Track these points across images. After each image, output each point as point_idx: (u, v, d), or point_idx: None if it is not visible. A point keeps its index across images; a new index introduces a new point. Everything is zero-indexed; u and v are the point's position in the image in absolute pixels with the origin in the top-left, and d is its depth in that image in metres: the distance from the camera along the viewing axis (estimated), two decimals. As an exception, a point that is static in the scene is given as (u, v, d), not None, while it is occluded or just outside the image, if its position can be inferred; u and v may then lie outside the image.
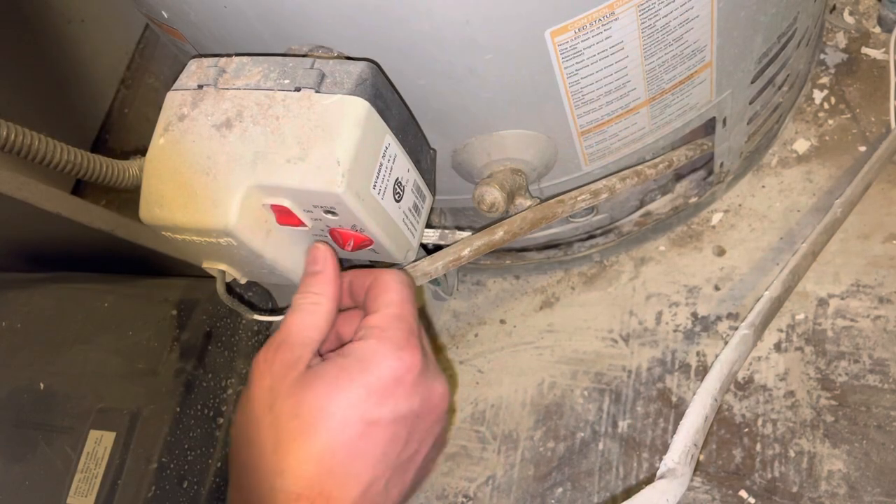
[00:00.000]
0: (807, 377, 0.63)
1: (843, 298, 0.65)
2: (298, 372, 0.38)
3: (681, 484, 0.44)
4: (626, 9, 0.44)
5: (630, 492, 0.60)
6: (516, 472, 0.67)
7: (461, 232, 0.52)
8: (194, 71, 0.43)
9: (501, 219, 0.51)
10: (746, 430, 0.62)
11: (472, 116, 0.50)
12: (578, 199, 0.54)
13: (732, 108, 0.59)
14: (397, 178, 0.44)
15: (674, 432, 0.46)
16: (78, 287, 0.76)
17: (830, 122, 0.72)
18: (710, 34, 0.50)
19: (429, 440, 0.41)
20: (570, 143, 0.54)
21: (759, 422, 0.62)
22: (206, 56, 0.44)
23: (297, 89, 0.41)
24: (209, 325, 0.70)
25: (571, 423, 0.67)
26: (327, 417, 0.36)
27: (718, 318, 0.67)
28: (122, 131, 1.06)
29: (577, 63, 0.47)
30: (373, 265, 0.51)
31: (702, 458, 0.62)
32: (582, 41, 0.45)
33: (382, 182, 0.42)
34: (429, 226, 0.50)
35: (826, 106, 0.72)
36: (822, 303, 0.65)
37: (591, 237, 0.71)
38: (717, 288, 0.68)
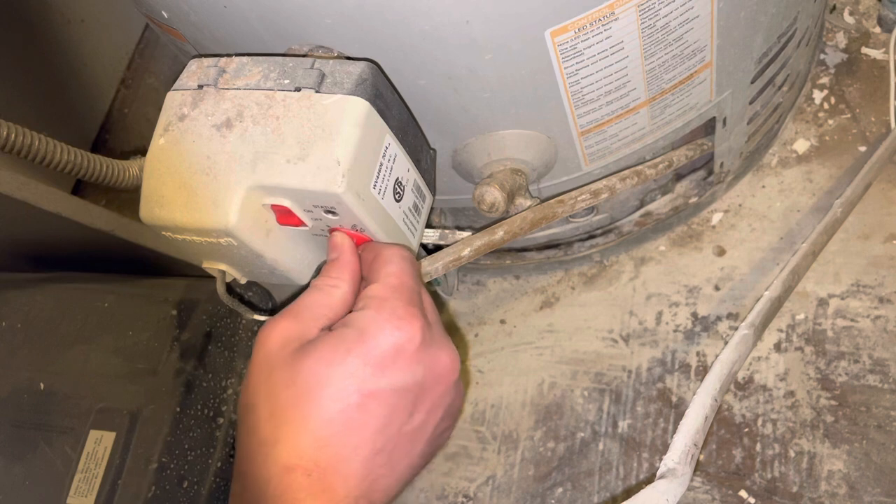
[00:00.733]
0: (807, 377, 0.63)
1: (843, 298, 0.65)
2: (299, 343, 0.37)
3: (681, 484, 0.44)
4: (626, 9, 0.44)
5: (630, 492, 0.60)
6: (516, 472, 0.67)
7: (461, 232, 0.52)
8: (194, 71, 0.43)
9: (501, 219, 0.51)
10: (746, 430, 0.62)
11: (472, 116, 0.50)
12: (578, 199, 0.54)
13: (732, 108, 0.59)
14: (397, 178, 0.44)
15: (674, 432, 0.46)
16: (78, 287, 0.76)
17: (830, 122, 0.72)
18: (710, 34, 0.50)
19: (437, 411, 0.40)
20: (570, 143, 0.54)
21: (759, 422, 0.62)
22: (206, 56, 0.44)
23: (297, 89, 0.41)
24: (209, 325, 0.70)
25: (571, 423, 0.67)
26: (323, 387, 0.36)
27: (718, 318, 0.67)
28: (122, 131, 1.06)
29: (577, 63, 0.47)
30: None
31: (702, 458, 0.62)
32: (582, 41, 0.45)
33: (382, 182, 0.42)
34: (429, 226, 0.50)
35: (826, 106, 0.72)
36: (822, 303, 0.65)
37: (591, 237, 0.71)
38: (717, 288, 0.68)
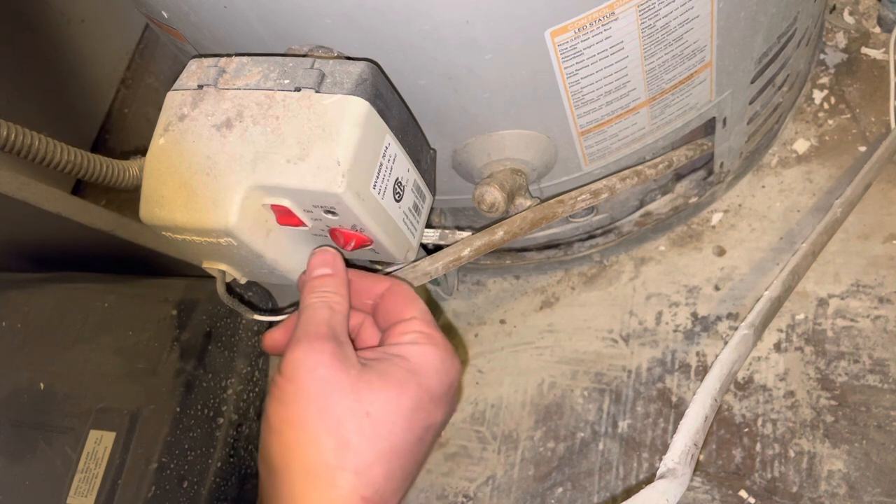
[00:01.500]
0: (807, 377, 0.63)
1: (843, 298, 0.65)
2: (356, 368, 0.37)
3: (681, 484, 0.44)
4: (626, 9, 0.44)
5: (630, 492, 0.60)
6: (516, 472, 0.67)
7: (461, 232, 0.52)
8: (194, 71, 0.43)
9: (501, 219, 0.51)
10: (746, 430, 0.62)
11: (472, 116, 0.50)
12: (578, 199, 0.54)
13: (732, 108, 0.59)
14: (397, 178, 0.44)
15: (674, 432, 0.45)
16: (78, 287, 0.76)
17: (830, 122, 0.72)
18: (710, 34, 0.50)
19: None
20: (570, 143, 0.54)
21: (759, 422, 0.62)
22: (206, 56, 0.44)
23: (297, 89, 0.41)
24: (209, 325, 0.70)
25: (571, 423, 0.67)
26: (396, 420, 0.36)
27: (718, 318, 0.67)
28: (122, 131, 1.06)
29: (577, 63, 0.47)
30: (374, 264, 0.51)
31: (702, 458, 0.62)
32: (582, 41, 0.45)
33: (382, 182, 0.42)
34: (429, 226, 0.50)
35: (826, 106, 0.72)
36: (822, 303, 0.65)
37: (591, 237, 0.71)
38: (717, 288, 0.68)
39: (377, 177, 0.42)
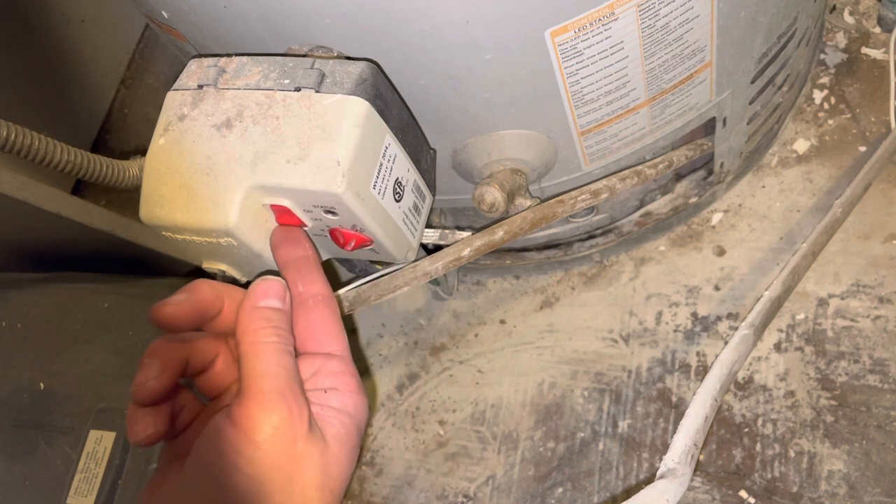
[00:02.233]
0: (807, 377, 0.63)
1: (843, 298, 0.65)
2: (322, 436, 0.36)
3: (681, 484, 0.44)
4: (626, 9, 0.44)
5: (630, 492, 0.60)
6: (516, 472, 0.67)
7: (461, 232, 0.52)
8: (194, 71, 0.43)
9: (501, 219, 0.51)
10: (746, 430, 0.62)
11: (472, 116, 0.50)
12: (578, 199, 0.54)
13: (732, 108, 0.59)
14: (397, 178, 0.44)
15: (674, 432, 0.46)
16: (78, 287, 0.76)
17: (830, 122, 0.72)
18: (710, 34, 0.50)
19: None
20: (570, 143, 0.54)
21: (759, 422, 0.62)
22: (206, 56, 0.44)
23: (297, 89, 0.41)
24: (209, 325, 0.70)
25: (571, 423, 0.67)
26: (346, 484, 0.37)
27: (718, 318, 0.67)
28: (122, 131, 1.06)
29: (577, 63, 0.47)
30: (374, 265, 0.51)
31: (702, 458, 0.62)
32: (582, 41, 0.45)
33: (382, 182, 0.42)
34: (429, 226, 0.50)
35: (826, 106, 0.72)
36: (822, 303, 0.65)
37: (591, 237, 0.71)
38: (717, 288, 0.68)
39: (377, 177, 0.42)
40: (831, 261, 0.66)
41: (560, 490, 0.65)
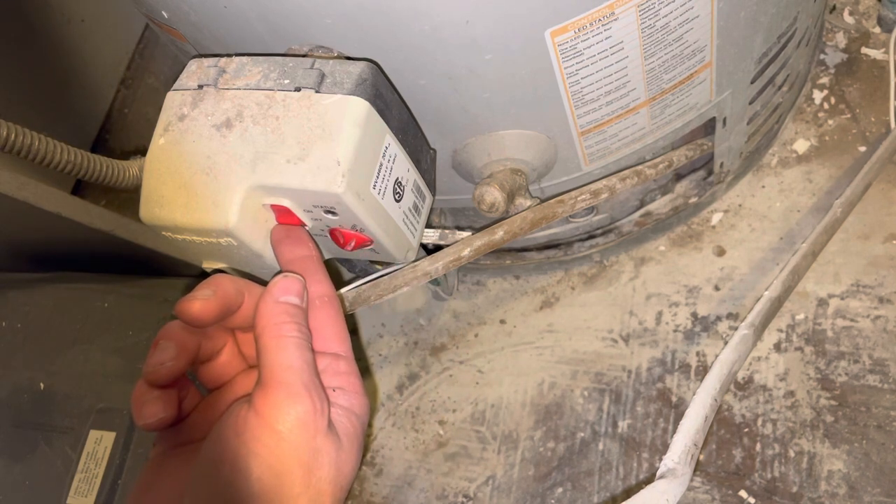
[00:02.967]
0: (807, 377, 0.63)
1: (843, 298, 0.65)
2: (336, 433, 0.37)
3: (681, 484, 0.44)
4: (626, 9, 0.44)
5: (630, 492, 0.60)
6: (516, 472, 0.67)
7: (461, 232, 0.52)
8: (194, 71, 0.43)
9: (501, 219, 0.51)
10: (746, 430, 0.62)
11: (472, 116, 0.50)
12: (578, 199, 0.54)
13: (732, 108, 0.59)
14: (397, 178, 0.44)
15: (674, 432, 0.46)
16: (78, 287, 0.76)
17: (830, 122, 0.72)
18: (710, 34, 0.50)
19: None
20: (570, 143, 0.54)
21: (759, 422, 0.62)
22: (206, 56, 0.44)
23: (297, 89, 0.41)
24: (209, 325, 0.69)
25: (571, 423, 0.67)
26: (353, 480, 0.38)
27: (718, 318, 0.67)
28: (122, 131, 1.06)
29: (577, 63, 0.47)
30: (374, 265, 0.51)
31: (702, 458, 0.62)
32: (582, 41, 0.45)
33: (382, 182, 0.42)
34: (429, 226, 0.50)
35: (826, 106, 0.73)
36: (822, 303, 0.65)
37: (591, 237, 0.71)
38: (717, 288, 0.68)
39: (377, 177, 0.42)
40: (831, 261, 0.66)
41: (560, 490, 0.65)
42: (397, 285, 0.47)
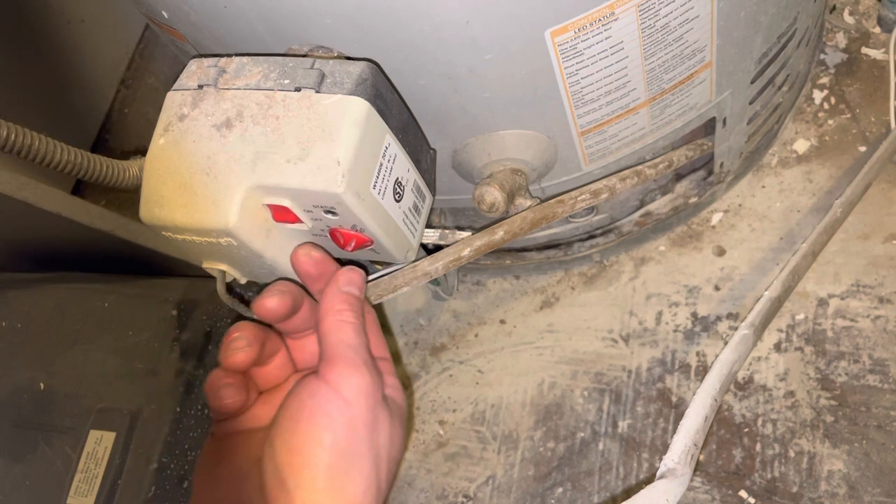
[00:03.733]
0: (807, 377, 0.63)
1: (843, 298, 0.65)
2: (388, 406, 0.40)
3: (681, 484, 0.44)
4: (626, 9, 0.44)
5: (630, 492, 0.60)
6: (516, 472, 0.67)
7: (461, 232, 0.52)
8: (194, 71, 0.43)
9: (501, 219, 0.51)
10: (746, 430, 0.62)
11: (472, 116, 0.50)
12: (578, 199, 0.54)
13: (732, 108, 0.59)
14: (397, 178, 0.44)
15: (674, 432, 0.46)
16: (78, 287, 0.76)
17: (830, 122, 0.72)
18: (710, 34, 0.50)
19: None
20: (570, 143, 0.54)
21: (759, 422, 0.62)
22: (206, 56, 0.44)
23: (298, 89, 0.41)
24: (209, 325, 0.70)
25: (571, 423, 0.67)
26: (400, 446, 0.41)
27: (718, 318, 0.67)
28: (122, 131, 1.06)
29: (577, 63, 0.47)
30: (374, 264, 0.51)
31: (702, 458, 0.62)
32: (582, 41, 0.45)
33: (382, 182, 0.42)
34: (429, 226, 0.50)
35: (826, 106, 0.72)
36: (822, 303, 0.65)
37: (591, 237, 0.71)
38: (717, 288, 0.68)
39: (377, 177, 0.42)
40: (831, 261, 0.66)
41: (560, 490, 0.65)
42: (397, 285, 0.47)
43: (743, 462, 0.61)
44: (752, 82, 0.58)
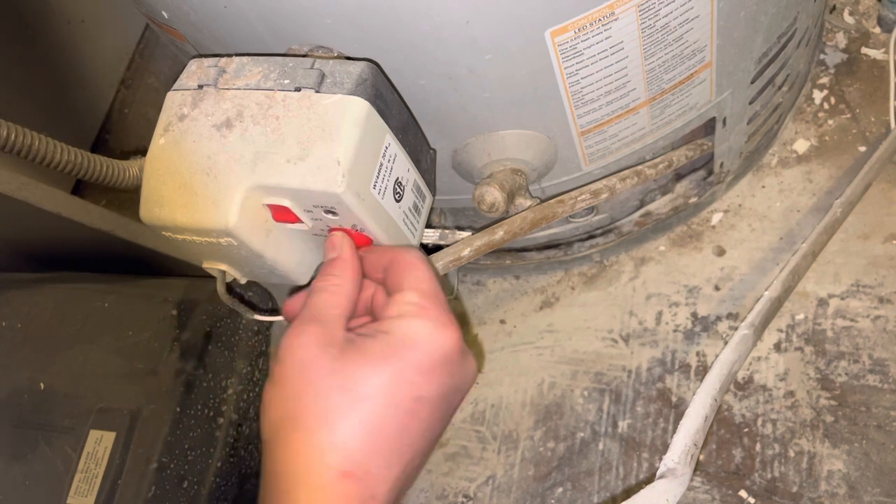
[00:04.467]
0: (807, 377, 0.63)
1: (843, 298, 0.65)
2: (337, 348, 0.37)
3: (681, 484, 0.44)
4: (626, 9, 0.44)
5: (630, 492, 0.60)
6: (516, 472, 0.67)
7: (461, 232, 0.52)
8: (194, 71, 0.43)
9: (501, 219, 0.51)
10: (746, 430, 0.62)
11: (472, 116, 0.50)
12: (578, 199, 0.54)
13: (732, 108, 0.59)
14: (397, 178, 0.44)
15: (674, 432, 0.46)
16: (78, 287, 0.76)
17: (830, 122, 0.72)
18: (710, 34, 0.50)
19: (455, 414, 0.41)
20: (570, 143, 0.54)
21: (759, 422, 0.62)
22: (206, 56, 0.44)
23: (298, 89, 0.41)
24: (209, 325, 0.70)
25: (571, 423, 0.67)
26: (379, 393, 0.36)
27: (718, 318, 0.67)
28: (122, 131, 1.06)
29: (577, 63, 0.47)
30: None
31: (702, 458, 0.62)
32: (582, 41, 0.45)
33: (382, 182, 0.42)
34: (429, 226, 0.50)
35: (826, 106, 0.72)
36: (822, 303, 0.65)
37: (591, 237, 0.71)
38: (717, 288, 0.68)
39: (377, 177, 0.42)
40: (831, 261, 0.66)
41: (560, 490, 0.65)
42: (397, 285, 0.47)
43: (743, 462, 0.61)
44: (752, 82, 0.58)
